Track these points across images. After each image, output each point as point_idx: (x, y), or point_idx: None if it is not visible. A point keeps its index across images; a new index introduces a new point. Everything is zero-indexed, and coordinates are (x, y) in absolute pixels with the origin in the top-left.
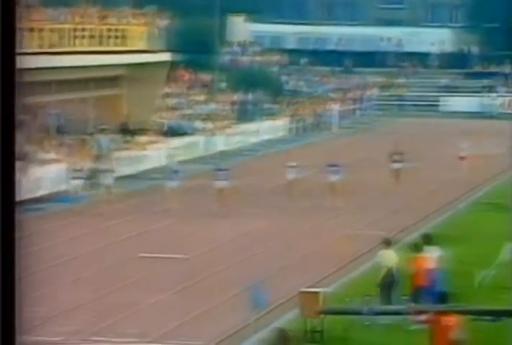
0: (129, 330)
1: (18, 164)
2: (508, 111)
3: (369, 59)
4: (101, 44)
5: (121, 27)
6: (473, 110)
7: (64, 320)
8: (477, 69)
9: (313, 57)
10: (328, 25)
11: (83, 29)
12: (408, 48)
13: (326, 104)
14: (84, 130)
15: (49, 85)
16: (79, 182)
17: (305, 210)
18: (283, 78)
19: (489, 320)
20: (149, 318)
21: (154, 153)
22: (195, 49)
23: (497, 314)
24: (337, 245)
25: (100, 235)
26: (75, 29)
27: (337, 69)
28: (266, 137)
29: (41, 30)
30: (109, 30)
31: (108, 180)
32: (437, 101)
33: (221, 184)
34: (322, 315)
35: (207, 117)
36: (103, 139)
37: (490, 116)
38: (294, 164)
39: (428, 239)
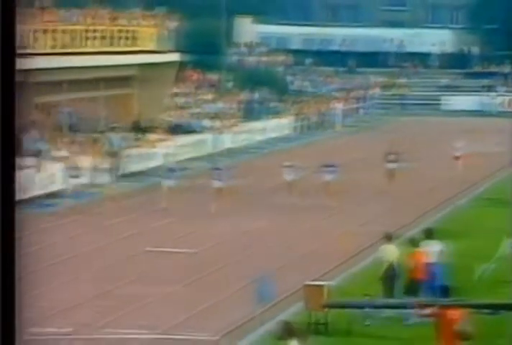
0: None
1: (32, 160)
2: (507, 110)
3: (372, 59)
4: (112, 44)
5: (131, 28)
6: (473, 108)
7: (75, 312)
8: (477, 69)
9: (317, 57)
10: (332, 26)
11: (95, 30)
12: (409, 49)
13: (330, 103)
14: (95, 128)
15: (62, 84)
16: (78, 180)
17: (305, 208)
18: (288, 78)
19: (488, 314)
20: (155, 311)
21: (164, 150)
22: (204, 50)
23: (497, 308)
24: (340, 241)
25: (105, 232)
26: (86, 30)
27: (341, 69)
28: (272, 135)
29: (54, 31)
30: (120, 31)
31: (112, 177)
32: (438, 100)
33: (217, 184)
34: (326, 309)
35: (215, 116)
36: (114, 137)
37: (490, 115)
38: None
39: (429, 234)
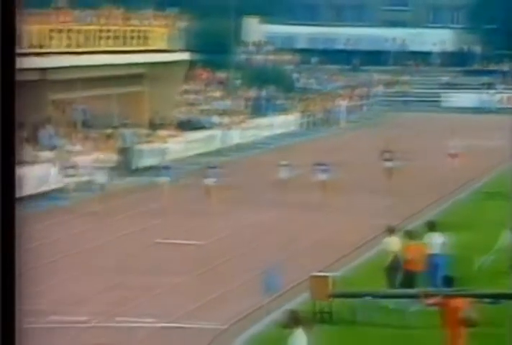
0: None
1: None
2: (506, 106)
3: (375, 58)
4: (124, 44)
5: (143, 28)
6: (473, 105)
7: (88, 302)
8: (477, 67)
9: (322, 56)
10: (337, 26)
11: (108, 30)
12: (411, 48)
13: (334, 100)
14: (108, 124)
15: (76, 82)
16: (73, 179)
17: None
18: (295, 76)
19: (488, 303)
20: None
21: (175, 146)
22: (213, 49)
23: (497, 297)
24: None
25: (110, 227)
26: (100, 30)
27: (345, 67)
28: (278, 131)
29: (69, 31)
30: (132, 31)
31: (123, 172)
32: (439, 97)
33: (210, 181)
34: (331, 298)
35: (223, 112)
36: (127, 133)
37: (489, 111)
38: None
39: (432, 226)
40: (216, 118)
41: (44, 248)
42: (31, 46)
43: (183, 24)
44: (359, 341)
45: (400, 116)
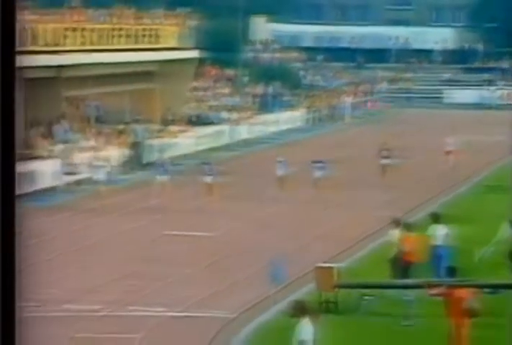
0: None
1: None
2: (506, 102)
3: (379, 56)
4: (136, 42)
5: (154, 27)
6: (474, 101)
7: (101, 292)
8: (478, 64)
9: (328, 54)
10: (341, 25)
11: (120, 29)
12: (414, 46)
13: (339, 97)
14: (121, 120)
15: (90, 79)
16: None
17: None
18: (301, 73)
19: (488, 293)
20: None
21: (184, 141)
22: (221, 47)
23: (498, 287)
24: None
25: (119, 221)
26: (113, 29)
27: (350, 65)
28: (285, 127)
29: (83, 30)
30: (144, 30)
31: (135, 166)
32: (441, 94)
33: (208, 179)
34: (336, 289)
35: (231, 108)
36: (139, 129)
37: (490, 107)
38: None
39: (436, 218)
40: (224, 114)
41: (56, 241)
42: (46, 44)
43: (192, 23)
44: (364, 330)
45: (403, 112)
